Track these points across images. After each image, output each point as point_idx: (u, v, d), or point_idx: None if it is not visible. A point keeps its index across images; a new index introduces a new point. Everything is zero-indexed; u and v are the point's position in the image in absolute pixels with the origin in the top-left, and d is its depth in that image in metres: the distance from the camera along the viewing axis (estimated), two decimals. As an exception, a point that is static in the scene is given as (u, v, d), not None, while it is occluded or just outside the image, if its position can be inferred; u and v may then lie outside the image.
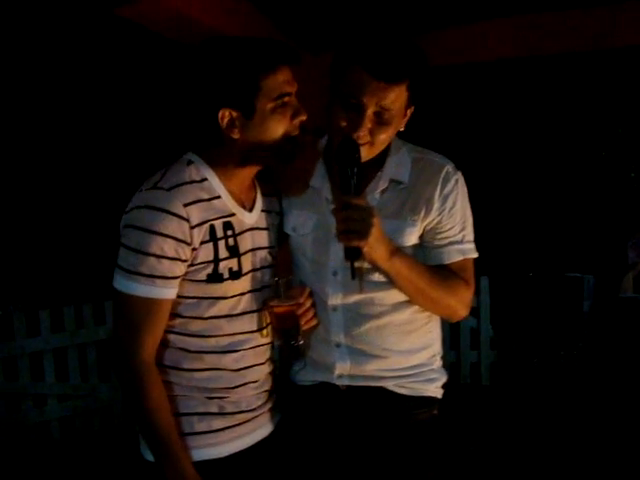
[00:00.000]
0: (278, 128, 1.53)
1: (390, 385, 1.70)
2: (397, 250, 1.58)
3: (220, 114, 1.51)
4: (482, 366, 5.23)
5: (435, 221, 1.64)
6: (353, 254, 1.52)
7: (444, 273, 1.65)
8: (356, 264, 1.54)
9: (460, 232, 1.66)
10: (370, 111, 1.51)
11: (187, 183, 1.52)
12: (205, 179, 1.56)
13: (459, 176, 1.67)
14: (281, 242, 1.78)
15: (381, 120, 1.54)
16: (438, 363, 1.79)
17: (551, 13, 3.12)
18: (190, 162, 1.58)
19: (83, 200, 7.72)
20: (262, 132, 1.52)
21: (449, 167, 1.66)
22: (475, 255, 1.70)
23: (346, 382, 1.70)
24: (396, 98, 1.52)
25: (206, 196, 1.54)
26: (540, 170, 7.64)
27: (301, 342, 1.65)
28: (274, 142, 1.53)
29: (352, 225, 1.46)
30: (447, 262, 1.66)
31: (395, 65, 1.49)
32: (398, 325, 1.68)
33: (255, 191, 1.70)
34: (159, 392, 1.53)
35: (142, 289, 1.48)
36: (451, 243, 1.66)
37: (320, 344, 1.72)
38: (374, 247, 1.50)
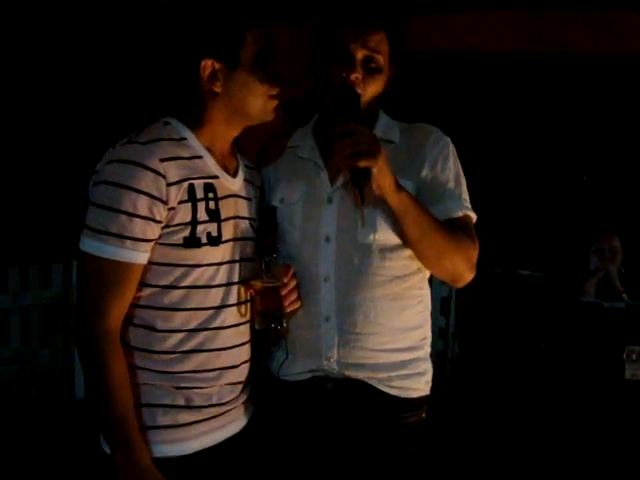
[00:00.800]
0: (260, 84, 1.48)
1: (379, 379, 1.60)
2: (402, 186, 1.52)
3: (202, 64, 1.44)
4: (447, 356, 5.15)
5: (429, 176, 1.61)
6: (361, 176, 1.44)
7: (449, 225, 1.58)
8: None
9: (455, 187, 1.63)
10: (360, 55, 1.55)
11: (164, 139, 1.43)
12: (184, 138, 1.48)
13: (449, 141, 1.67)
14: (267, 222, 1.69)
15: (370, 67, 1.56)
16: (427, 349, 1.72)
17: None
18: (167, 123, 1.50)
19: (38, 158, 7.42)
20: (244, 86, 1.47)
21: (439, 132, 1.68)
22: (474, 215, 1.65)
23: (334, 370, 1.60)
24: (379, 42, 1.56)
25: (186, 154, 1.45)
26: (508, 167, 7.67)
27: (284, 325, 1.57)
28: (255, 100, 1.49)
29: (360, 147, 1.41)
30: (448, 216, 1.59)
31: (372, 12, 1.57)
32: (392, 299, 1.61)
33: (237, 159, 1.62)
34: (121, 368, 1.39)
35: (110, 250, 1.35)
36: (449, 197, 1.61)
37: (305, 325, 1.62)
38: (383, 171, 1.45)
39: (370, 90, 1.57)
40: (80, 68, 6.98)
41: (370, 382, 1.61)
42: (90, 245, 1.37)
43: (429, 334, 1.72)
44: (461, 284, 1.66)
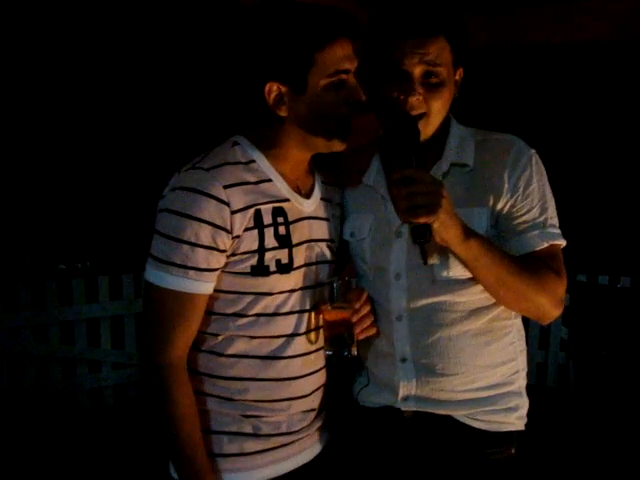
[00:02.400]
0: (330, 110, 1.36)
1: (461, 415, 1.48)
2: (473, 231, 1.37)
3: (267, 88, 1.35)
4: (549, 367, 4.99)
5: (509, 204, 1.44)
6: (422, 233, 1.31)
7: (530, 262, 1.42)
8: (429, 260, 1.38)
9: (541, 215, 1.45)
10: (417, 72, 1.39)
11: (230, 164, 1.37)
12: (252, 161, 1.41)
13: (533, 153, 1.48)
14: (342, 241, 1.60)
15: (431, 83, 1.40)
16: (521, 382, 1.55)
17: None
18: (236, 143, 1.43)
19: (147, 173, 7.78)
20: (312, 112, 1.36)
21: (520, 144, 1.48)
22: (563, 242, 1.47)
23: (412, 406, 1.50)
24: (439, 52, 1.39)
25: (253, 179, 1.38)
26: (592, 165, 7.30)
27: (355, 354, 1.47)
28: (325, 124, 1.38)
29: (418, 200, 1.27)
30: (530, 250, 1.43)
31: (427, 18, 1.38)
32: (474, 335, 1.48)
33: (313, 177, 1.53)
34: (188, 399, 1.36)
35: (173, 281, 1.32)
36: (532, 227, 1.44)
37: (383, 361, 1.53)
38: (446, 223, 1.29)
39: (435, 107, 1.42)
40: (162, 81, 7.23)
41: (451, 415, 1.50)
42: (154, 275, 1.34)
43: (522, 366, 1.56)
44: (546, 321, 1.51)
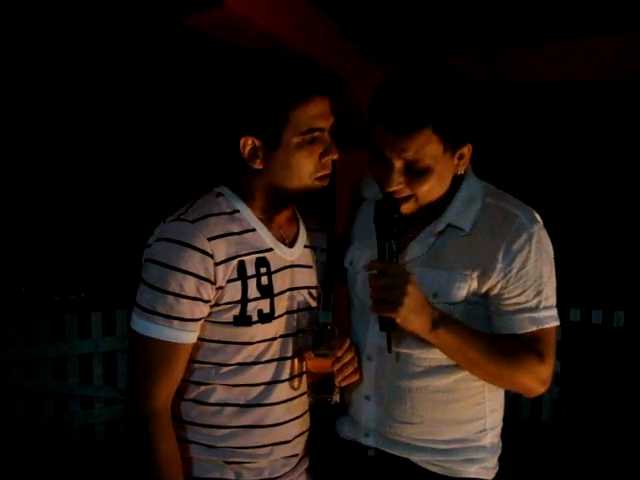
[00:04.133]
0: (304, 165, 1.38)
1: (417, 459, 1.48)
2: (443, 318, 1.38)
3: (242, 141, 1.38)
4: (544, 402, 4.97)
5: (500, 285, 1.40)
6: (387, 324, 1.38)
7: (510, 344, 1.41)
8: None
9: (534, 298, 1.40)
10: (398, 165, 1.36)
11: (214, 215, 1.39)
12: (237, 211, 1.43)
13: (536, 230, 1.40)
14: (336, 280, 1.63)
15: (416, 171, 1.36)
16: (489, 440, 1.51)
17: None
18: (220, 194, 1.45)
19: (141, 209, 7.86)
20: (286, 167, 1.38)
21: (524, 219, 1.40)
22: (556, 323, 1.43)
23: (372, 444, 1.52)
24: (421, 146, 1.32)
25: (237, 229, 1.40)
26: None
27: (337, 400, 1.48)
28: (298, 180, 1.39)
29: (383, 294, 1.33)
30: (517, 332, 1.41)
31: (407, 114, 1.30)
32: (434, 391, 1.46)
33: (298, 224, 1.55)
34: (171, 447, 1.36)
35: (158, 330, 1.33)
36: (521, 310, 1.40)
37: (352, 395, 1.55)
38: (409, 319, 1.34)
39: (421, 192, 1.38)
40: (154, 130, 7.32)
41: (409, 458, 1.50)
42: (139, 324, 1.35)
43: (492, 425, 1.52)
44: (532, 396, 1.50)
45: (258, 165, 1.39)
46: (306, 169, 1.39)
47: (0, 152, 7.57)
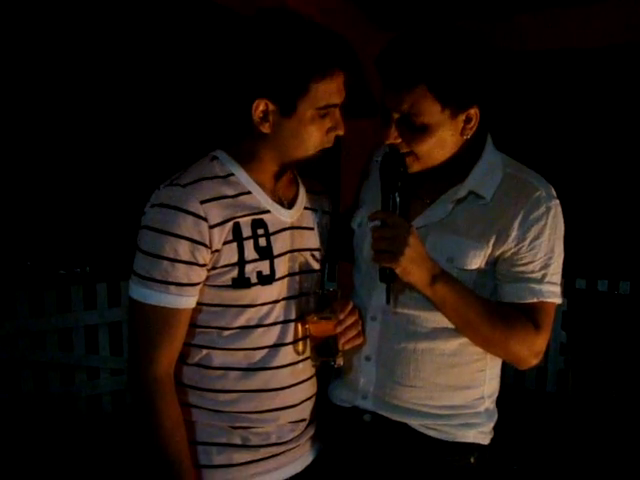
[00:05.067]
0: (311, 137, 1.38)
1: (415, 424, 1.48)
2: (443, 274, 1.40)
3: (255, 104, 1.35)
4: (549, 372, 4.99)
5: (511, 251, 1.41)
6: (386, 276, 1.40)
7: (508, 311, 1.42)
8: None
9: (540, 270, 1.42)
10: (395, 116, 1.39)
11: (207, 179, 1.38)
12: (231, 174, 1.42)
13: (553, 205, 1.42)
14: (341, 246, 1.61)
15: (413, 127, 1.38)
16: (486, 406, 1.53)
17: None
18: (215, 158, 1.44)
19: (146, 180, 7.87)
20: (294, 136, 1.38)
21: (543, 192, 1.42)
22: (557, 301, 1.45)
23: (370, 407, 1.51)
24: (416, 102, 1.35)
25: (231, 192, 1.39)
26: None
27: (341, 364, 1.48)
28: (303, 150, 1.39)
29: (383, 244, 1.35)
30: (517, 301, 1.42)
31: (400, 72, 1.35)
32: (439, 354, 1.47)
33: (297, 187, 1.54)
34: (174, 414, 1.36)
35: (155, 296, 1.33)
36: (527, 280, 1.42)
37: (351, 357, 1.54)
38: (408, 269, 1.36)
39: (421, 151, 1.40)
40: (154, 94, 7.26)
41: (406, 422, 1.50)
42: (136, 292, 1.34)
43: (490, 392, 1.54)
44: (521, 368, 1.49)
45: (266, 129, 1.37)
46: (312, 141, 1.38)
47: (7, 131, 7.56)
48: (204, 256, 1.34)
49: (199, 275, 1.35)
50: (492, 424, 1.56)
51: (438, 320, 1.45)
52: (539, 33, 3.06)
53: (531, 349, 1.43)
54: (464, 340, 1.46)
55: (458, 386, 1.49)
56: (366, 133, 2.16)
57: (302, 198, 1.54)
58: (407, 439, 1.49)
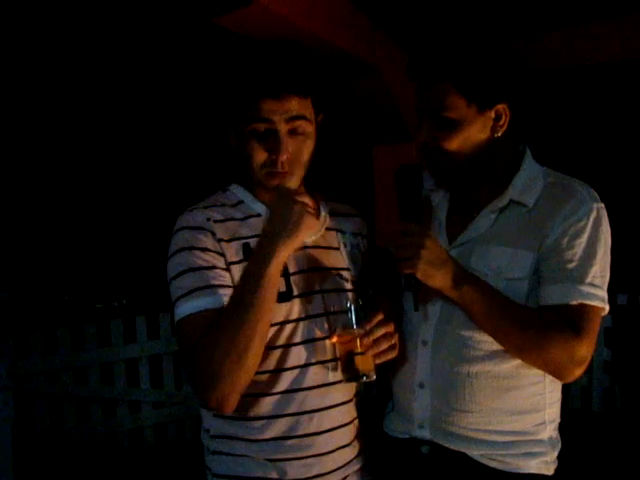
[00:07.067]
0: (251, 157, 1.39)
1: (475, 453, 1.43)
2: (470, 277, 1.38)
3: (230, 135, 1.46)
4: (594, 391, 4.87)
5: (550, 250, 1.37)
6: (409, 283, 1.41)
7: (545, 315, 1.35)
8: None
9: (581, 269, 1.36)
10: (425, 115, 1.44)
11: (217, 206, 1.47)
12: (241, 201, 1.49)
13: (596, 207, 1.38)
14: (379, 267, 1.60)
15: (442, 123, 1.41)
16: (548, 433, 1.46)
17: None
18: (226, 190, 1.53)
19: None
20: (243, 157, 1.43)
21: (585, 194, 1.39)
22: (600, 305, 1.37)
23: (427, 435, 1.47)
24: (442, 98, 1.39)
25: (240, 216, 1.46)
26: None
27: (373, 378, 1.38)
28: (252, 171, 1.41)
29: (401, 252, 1.37)
30: (556, 302, 1.35)
31: (425, 68, 1.42)
32: (494, 377, 1.42)
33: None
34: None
35: (198, 303, 1.32)
36: (567, 279, 1.35)
37: (404, 386, 1.51)
38: (428, 273, 1.36)
39: (451, 146, 1.41)
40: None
41: (466, 452, 1.44)
42: (182, 310, 1.33)
43: (552, 418, 1.47)
44: (564, 380, 1.42)
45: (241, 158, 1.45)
46: (254, 161, 1.40)
47: (38, 161, 7.69)
48: (221, 262, 1.38)
49: (227, 278, 1.37)
50: (556, 453, 1.49)
51: (492, 341, 1.40)
52: (567, 50, 3.07)
53: (571, 356, 1.33)
54: (519, 362, 1.41)
55: (516, 410, 1.44)
56: (399, 158, 2.18)
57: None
58: (467, 471, 1.44)
